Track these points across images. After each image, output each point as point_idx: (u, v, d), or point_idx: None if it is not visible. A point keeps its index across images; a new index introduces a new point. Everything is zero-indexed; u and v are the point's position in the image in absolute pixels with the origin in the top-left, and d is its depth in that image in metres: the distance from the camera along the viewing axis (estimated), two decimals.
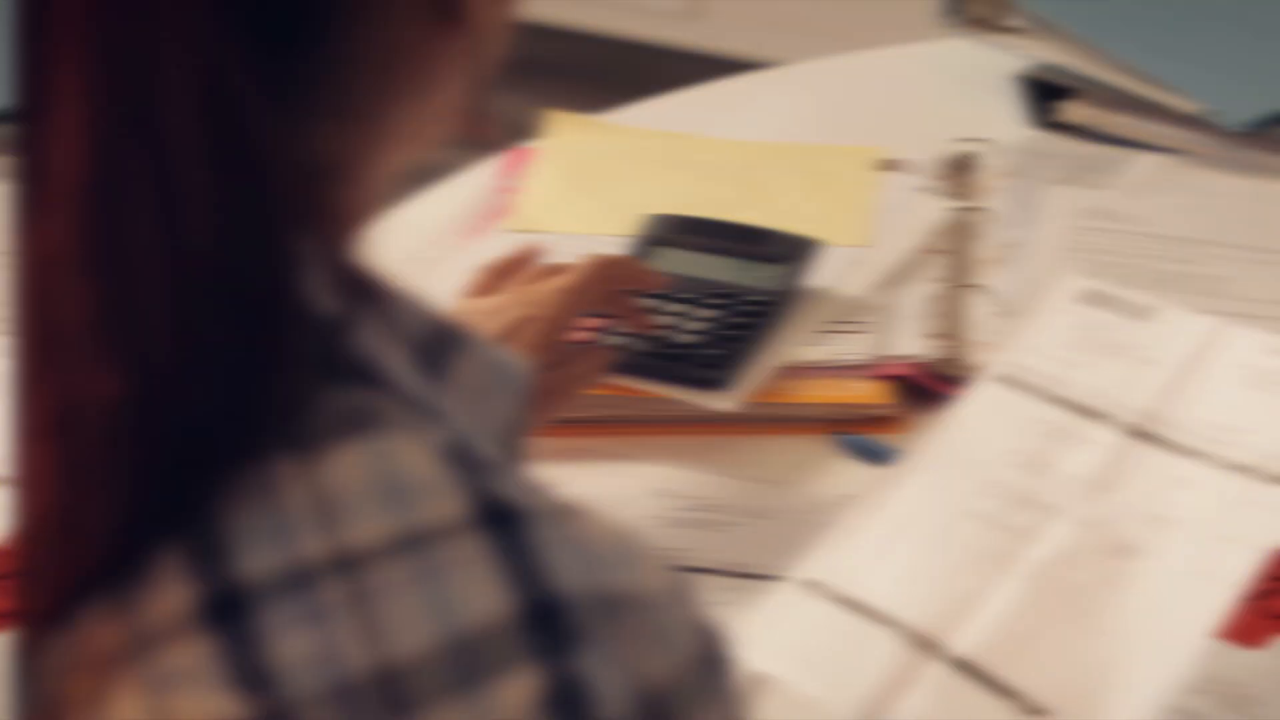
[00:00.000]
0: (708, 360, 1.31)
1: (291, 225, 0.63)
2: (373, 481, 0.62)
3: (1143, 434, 0.98)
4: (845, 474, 1.28)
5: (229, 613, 0.61)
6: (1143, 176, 1.51)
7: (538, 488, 0.66)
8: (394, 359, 0.67)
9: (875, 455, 1.28)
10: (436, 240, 1.49)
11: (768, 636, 0.98)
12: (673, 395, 1.30)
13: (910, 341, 1.35)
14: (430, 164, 1.71)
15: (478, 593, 0.62)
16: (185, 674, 0.61)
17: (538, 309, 1.23)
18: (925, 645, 0.93)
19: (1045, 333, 1.05)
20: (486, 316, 1.24)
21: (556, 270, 1.28)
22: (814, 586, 0.99)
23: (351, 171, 0.69)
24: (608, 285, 1.26)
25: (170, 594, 0.61)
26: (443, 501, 0.63)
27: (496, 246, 1.46)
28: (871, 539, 1.00)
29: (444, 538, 0.62)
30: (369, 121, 0.68)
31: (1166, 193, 1.49)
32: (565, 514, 0.65)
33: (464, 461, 0.64)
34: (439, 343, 0.70)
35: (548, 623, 0.62)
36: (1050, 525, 0.96)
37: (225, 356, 0.62)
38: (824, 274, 1.40)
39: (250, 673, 0.61)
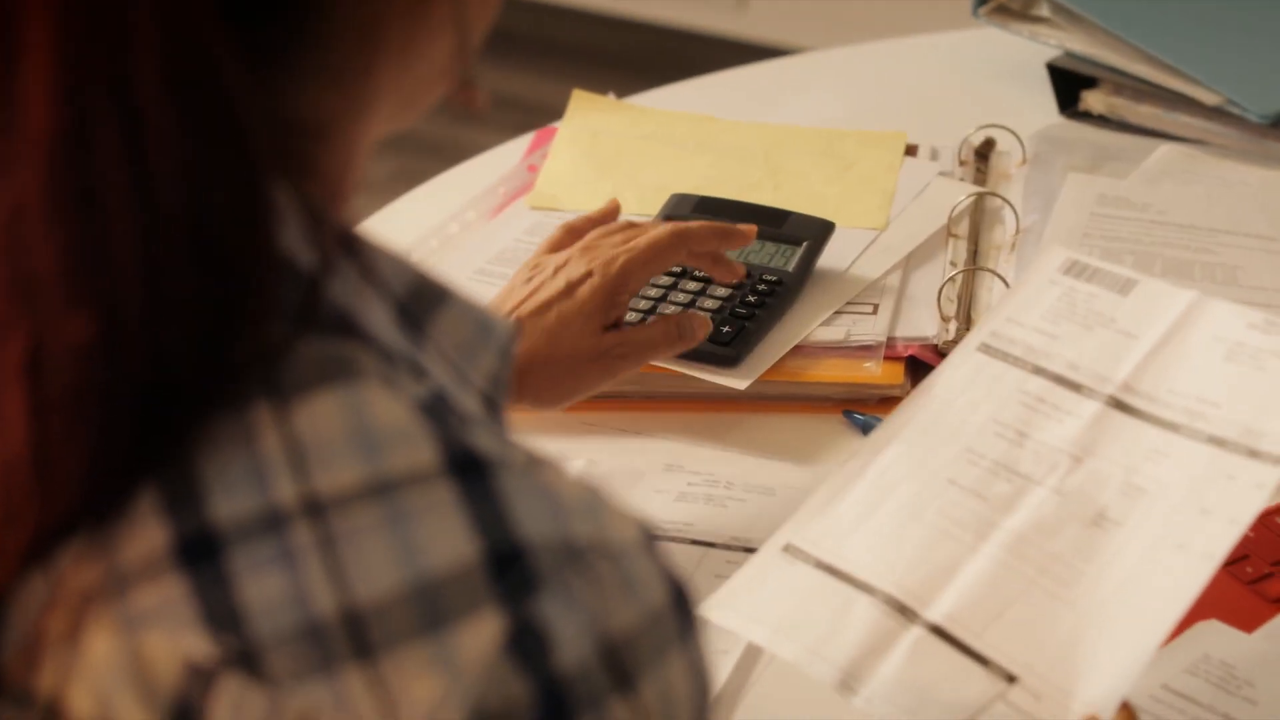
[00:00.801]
0: (722, 338, 1.32)
1: (267, 181, 0.64)
2: (346, 429, 0.63)
3: (1121, 405, 0.99)
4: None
5: (201, 554, 0.62)
6: (1161, 165, 1.52)
7: (512, 440, 0.67)
8: (375, 313, 0.68)
9: None
10: (459, 216, 1.50)
11: (746, 600, 0.99)
12: (687, 371, 1.32)
13: (922, 323, 1.36)
14: (459, 142, 1.72)
15: (444, 538, 0.63)
16: (157, 613, 0.62)
17: (601, 266, 1.25)
18: (903, 611, 0.94)
19: (1029, 303, 1.06)
20: (553, 270, 1.25)
21: (631, 229, 1.29)
22: (794, 551, 1.00)
23: (335, 132, 0.70)
24: (679, 256, 1.28)
25: (145, 535, 0.63)
26: (414, 450, 0.64)
27: (518, 223, 1.48)
28: (851, 505, 1.01)
29: (413, 485, 0.63)
30: (352, 83, 0.69)
31: (1184, 182, 1.49)
32: (536, 465, 0.66)
33: (438, 413, 0.65)
34: (421, 298, 0.70)
35: (511, 568, 0.63)
36: (1028, 494, 0.97)
37: (196, 305, 0.62)
38: (840, 255, 1.41)
39: (220, 613, 0.62)
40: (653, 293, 1.36)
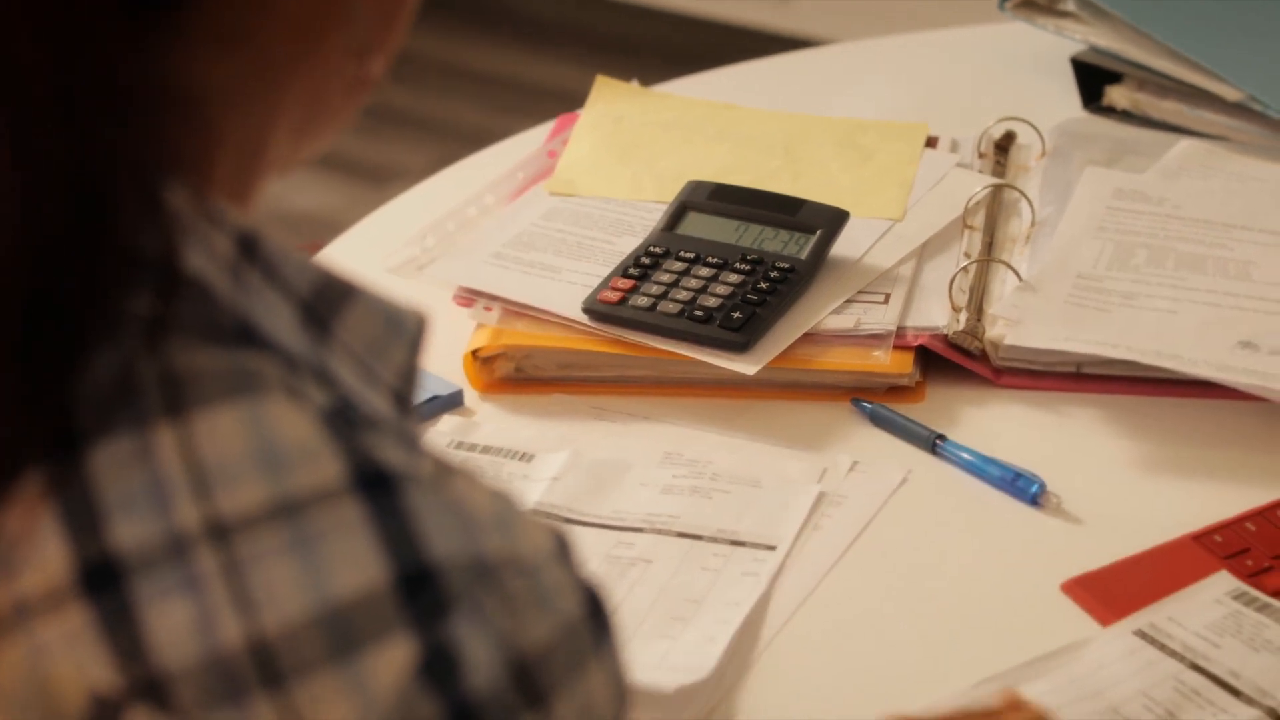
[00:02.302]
0: (732, 324, 1.32)
1: (153, 150, 0.63)
2: (249, 447, 0.62)
3: None
4: (861, 441, 1.30)
5: (103, 583, 0.61)
6: (1180, 160, 1.52)
7: (421, 448, 0.66)
8: (278, 318, 0.66)
9: (892, 423, 1.30)
10: (477, 199, 1.51)
11: None
12: (696, 356, 1.32)
13: (933, 313, 1.36)
14: (496, 130, 1.72)
15: (351, 561, 0.62)
16: (62, 644, 0.61)
17: None
18: None
19: (1192, 612, 1.09)
20: None
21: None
22: None
23: (234, 108, 0.68)
24: None
25: (47, 561, 0.62)
26: (319, 467, 0.63)
27: (535, 208, 1.49)
28: None
29: (319, 504, 0.62)
30: (246, 55, 0.67)
31: (1200, 177, 1.49)
32: (445, 476, 0.65)
33: (344, 424, 0.64)
34: (326, 297, 0.68)
35: (421, 591, 0.62)
36: None
37: (72, 224, 0.61)
38: (854, 244, 1.42)
39: (124, 644, 0.61)
40: (665, 278, 1.36)
